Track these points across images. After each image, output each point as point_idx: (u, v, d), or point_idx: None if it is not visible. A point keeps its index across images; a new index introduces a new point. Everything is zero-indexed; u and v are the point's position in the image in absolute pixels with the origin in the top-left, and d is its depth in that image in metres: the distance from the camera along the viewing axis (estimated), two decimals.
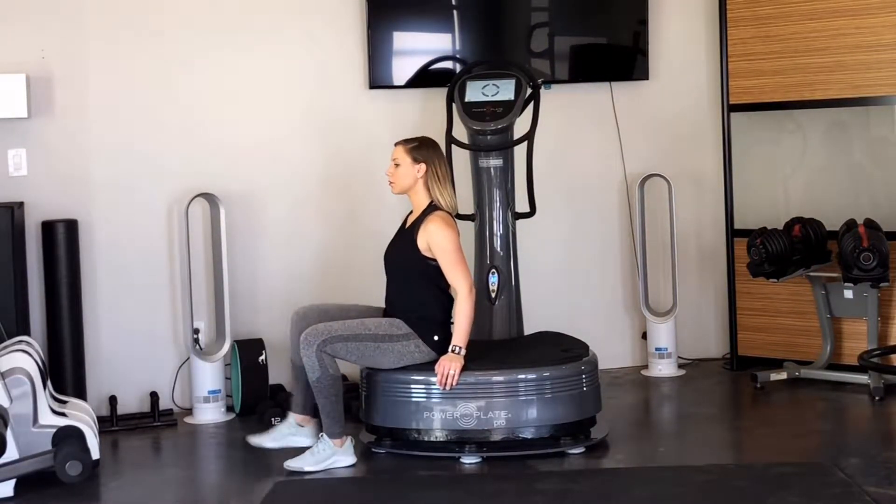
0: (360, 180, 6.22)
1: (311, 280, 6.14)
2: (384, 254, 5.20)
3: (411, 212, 5.16)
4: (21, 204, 5.68)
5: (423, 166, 5.05)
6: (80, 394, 5.60)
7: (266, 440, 5.16)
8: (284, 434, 5.15)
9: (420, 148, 5.08)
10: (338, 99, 6.21)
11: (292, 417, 5.15)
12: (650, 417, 5.90)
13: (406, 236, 5.08)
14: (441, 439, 4.99)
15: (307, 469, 4.88)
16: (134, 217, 5.94)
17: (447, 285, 5.02)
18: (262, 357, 5.84)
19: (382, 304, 5.19)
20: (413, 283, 5.03)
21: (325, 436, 4.93)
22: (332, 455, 4.91)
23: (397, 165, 5.09)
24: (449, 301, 5.03)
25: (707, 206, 6.64)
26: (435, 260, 4.98)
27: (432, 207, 5.05)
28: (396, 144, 5.15)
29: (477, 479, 4.78)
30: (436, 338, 4.99)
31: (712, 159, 6.60)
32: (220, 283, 5.88)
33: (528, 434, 4.99)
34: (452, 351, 4.94)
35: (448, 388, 4.90)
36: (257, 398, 5.81)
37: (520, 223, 5.71)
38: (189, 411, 5.85)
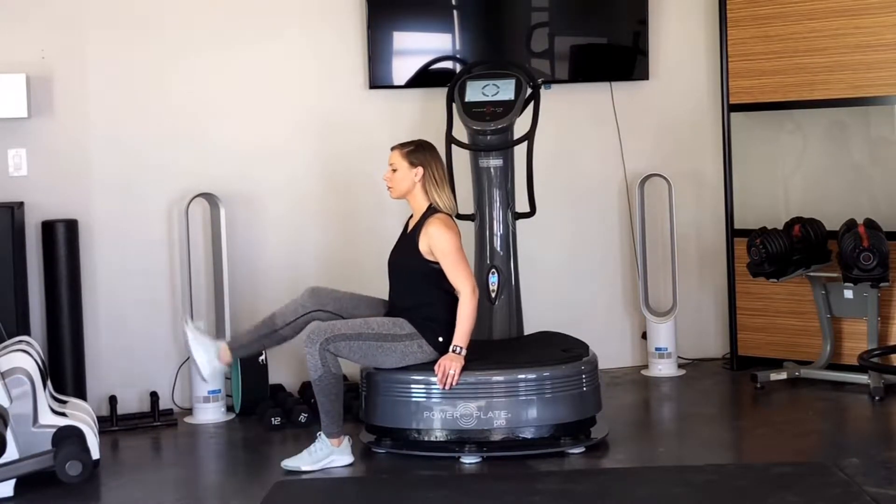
0: (360, 180, 6.22)
1: (312, 279, 6.11)
2: (388, 258, 5.19)
3: (412, 215, 5.16)
4: (21, 204, 5.68)
5: (420, 170, 5.05)
6: (80, 394, 5.60)
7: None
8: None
9: (416, 151, 5.08)
10: (338, 99, 6.21)
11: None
12: (650, 417, 5.90)
13: (408, 240, 5.08)
14: (441, 439, 4.99)
15: (304, 468, 4.87)
16: (134, 217, 5.94)
17: (451, 287, 5.02)
18: (262, 357, 5.84)
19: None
20: (417, 286, 5.03)
21: (322, 435, 4.93)
22: (329, 454, 4.91)
23: (394, 170, 5.09)
24: (453, 302, 5.01)
25: (707, 206, 6.64)
26: (437, 262, 4.99)
27: (432, 210, 5.05)
28: (392, 149, 5.15)
29: (477, 479, 4.78)
30: (440, 339, 4.99)
31: (712, 159, 6.60)
32: (220, 283, 5.88)
33: (528, 434, 4.99)
34: (453, 351, 4.94)
35: (448, 387, 4.90)
36: (257, 398, 5.81)
37: (520, 223, 5.71)
38: (189, 411, 5.85)
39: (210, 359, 5.03)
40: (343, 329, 4.90)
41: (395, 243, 5.21)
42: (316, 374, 4.86)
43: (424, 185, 5.05)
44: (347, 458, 4.95)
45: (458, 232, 5.04)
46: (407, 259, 5.07)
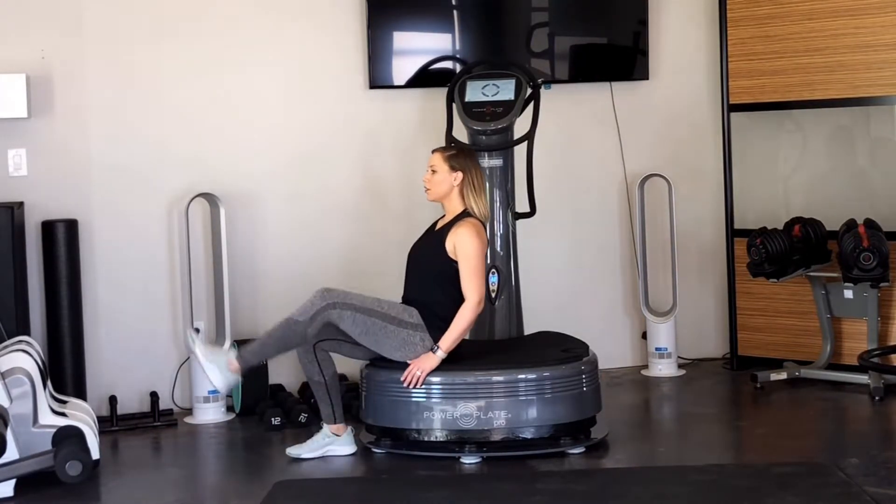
0: (360, 180, 6.22)
1: (311, 280, 6.11)
2: (409, 251, 5.20)
3: (442, 216, 5.18)
4: (21, 204, 5.68)
5: (459, 174, 5.07)
6: (80, 394, 5.60)
7: (304, 451, 5.05)
8: (322, 444, 5.06)
9: (457, 156, 5.12)
10: (338, 99, 6.21)
11: (326, 428, 5.07)
12: (650, 417, 5.90)
13: (435, 236, 5.11)
14: (441, 439, 4.99)
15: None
16: (134, 217, 5.94)
17: None
18: None
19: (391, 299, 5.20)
20: (432, 283, 5.04)
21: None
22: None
23: (434, 172, 5.11)
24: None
25: (707, 206, 6.64)
26: (458, 263, 5.00)
27: (465, 214, 5.07)
28: (434, 151, 5.17)
29: (477, 479, 4.78)
30: None
31: (712, 159, 6.60)
32: (220, 283, 5.88)
33: (528, 434, 4.99)
34: (432, 350, 4.96)
35: (410, 386, 4.92)
36: (257, 398, 5.81)
37: (520, 223, 5.71)
38: (189, 411, 5.85)
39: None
40: (355, 300, 4.96)
41: (419, 237, 5.23)
42: (313, 331, 4.93)
43: (462, 189, 5.08)
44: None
45: (486, 243, 5.08)
46: (429, 253, 5.08)
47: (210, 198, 5.89)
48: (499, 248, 5.63)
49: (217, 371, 4.99)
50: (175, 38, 5.98)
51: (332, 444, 5.01)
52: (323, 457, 5.02)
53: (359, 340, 5.04)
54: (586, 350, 5.22)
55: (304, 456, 4.98)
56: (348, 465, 4.97)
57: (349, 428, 5.08)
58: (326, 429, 5.03)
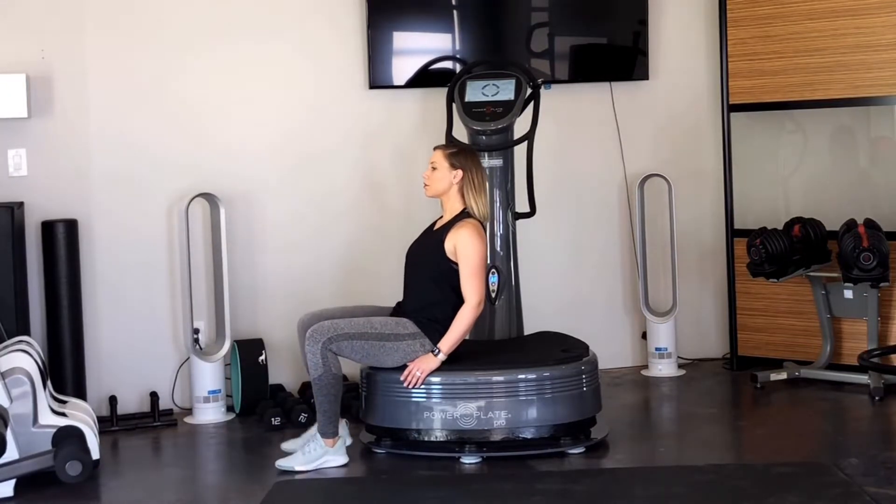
0: (361, 180, 6.22)
1: (312, 280, 6.13)
2: (407, 251, 5.20)
3: (441, 217, 5.17)
4: (21, 204, 5.68)
5: (459, 173, 5.07)
6: (80, 394, 5.60)
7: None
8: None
9: (459, 155, 5.12)
10: (338, 99, 6.21)
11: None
12: (650, 417, 5.90)
13: (434, 236, 5.10)
14: (441, 439, 4.99)
15: (298, 469, 4.88)
16: (134, 217, 5.94)
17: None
18: (262, 357, 5.84)
19: (385, 304, 5.19)
20: (430, 283, 5.04)
21: (317, 435, 4.93)
22: (323, 455, 4.91)
23: (434, 169, 5.11)
24: (461, 305, 5.02)
25: (707, 206, 6.64)
26: (457, 264, 5.00)
27: (465, 214, 5.07)
28: (436, 149, 5.18)
29: (477, 479, 4.78)
30: None
31: (712, 159, 6.60)
32: (220, 283, 5.88)
33: (528, 434, 4.99)
34: (432, 352, 4.96)
35: (411, 386, 4.92)
36: (257, 398, 5.81)
37: (520, 223, 5.71)
38: (189, 411, 5.85)
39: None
40: (346, 328, 4.91)
41: (417, 237, 5.22)
42: (316, 372, 4.87)
43: (462, 188, 5.08)
44: (341, 459, 4.95)
45: (486, 244, 5.07)
46: (428, 254, 5.07)
47: (210, 198, 5.89)
48: (499, 248, 5.63)
49: (330, 456, 4.92)
50: (175, 37, 5.98)
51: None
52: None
53: (361, 363, 5.05)
54: (586, 350, 5.22)
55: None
56: (348, 466, 4.97)
57: (341, 437, 5.01)
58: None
